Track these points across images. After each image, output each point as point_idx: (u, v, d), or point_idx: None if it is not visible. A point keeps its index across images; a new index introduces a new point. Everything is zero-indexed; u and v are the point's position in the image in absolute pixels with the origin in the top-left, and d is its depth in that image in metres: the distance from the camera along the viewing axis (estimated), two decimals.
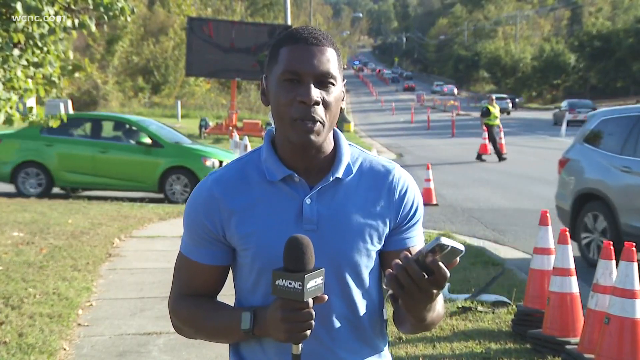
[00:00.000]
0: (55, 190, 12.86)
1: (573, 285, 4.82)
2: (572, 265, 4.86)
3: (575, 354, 4.44)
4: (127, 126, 12.79)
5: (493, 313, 5.65)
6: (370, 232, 1.60)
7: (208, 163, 12.15)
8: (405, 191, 1.64)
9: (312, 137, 1.52)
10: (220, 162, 12.16)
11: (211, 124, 28.57)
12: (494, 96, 21.14)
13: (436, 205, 12.22)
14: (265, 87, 1.62)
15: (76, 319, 5.42)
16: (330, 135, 1.63)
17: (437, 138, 31.19)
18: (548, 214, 5.44)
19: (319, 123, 1.52)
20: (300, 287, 1.36)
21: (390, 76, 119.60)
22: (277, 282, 1.39)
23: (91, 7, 7.85)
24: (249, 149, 15.14)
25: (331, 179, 1.59)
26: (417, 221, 1.68)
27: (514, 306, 5.74)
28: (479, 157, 20.85)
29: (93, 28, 7.90)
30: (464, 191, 14.14)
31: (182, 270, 1.68)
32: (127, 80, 47.95)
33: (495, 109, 20.72)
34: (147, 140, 12.29)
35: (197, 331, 1.65)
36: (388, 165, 1.66)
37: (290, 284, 1.37)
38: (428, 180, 12.46)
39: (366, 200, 1.61)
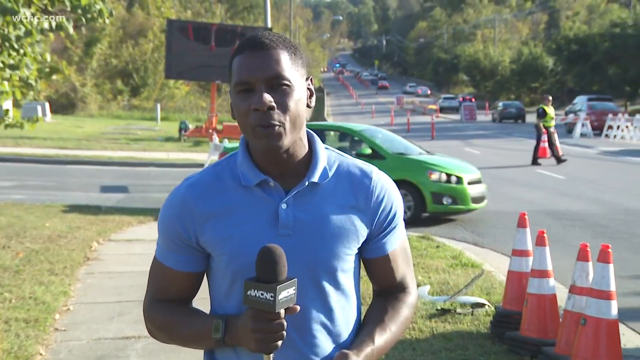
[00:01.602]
0: None
1: (550, 286, 4.86)
2: (549, 267, 4.90)
3: (552, 355, 4.47)
4: (350, 136, 11.66)
5: (472, 315, 5.68)
6: (347, 237, 1.58)
7: (434, 177, 10.69)
8: (384, 196, 1.63)
9: (275, 141, 1.51)
10: (449, 176, 10.72)
11: (191, 126, 28.45)
12: (550, 97, 20.02)
13: None
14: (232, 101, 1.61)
15: (53, 323, 5.36)
16: (305, 139, 1.61)
17: (417, 140, 31.21)
18: (526, 216, 5.48)
19: (277, 127, 1.51)
20: (272, 298, 1.35)
21: (368, 78, 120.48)
22: (248, 292, 1.37)
23: (69, 9, 7.78)
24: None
25: (307, 183, 1.57)
26: (396, 226, 1.67)
27: (493, 308, 5.77)
28: (535, 162, 19.50)
29: (71, 30, 7.84)
30: None
31: (156, 276, 1.67)
32: (105, 83, 47.61)
33: (551, 110, 19.58)
34: (368, 151, 10.97)
35: (171, 337, 1.64)
36: (366, 168, 1.64)
37: (262, 294, 1.36)
38: None
39: (343, 205, 1.59)
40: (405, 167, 10.83)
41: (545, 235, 4.97)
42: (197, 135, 27.11)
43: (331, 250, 1.57)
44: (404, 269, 1.70)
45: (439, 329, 5.33)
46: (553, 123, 19.51)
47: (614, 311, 4.06)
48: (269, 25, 32.86)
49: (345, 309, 1.62)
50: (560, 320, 4.64)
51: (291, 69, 1.53)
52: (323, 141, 11.50)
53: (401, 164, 10.88)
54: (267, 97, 1.50)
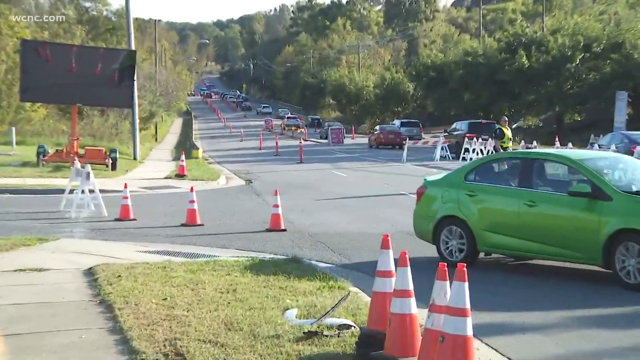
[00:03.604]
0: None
1: (412, 306, 5.03)
2: (410, 287, 5.07)
3: None
4: (567, 168, 9.10)
5: (338, 337, 5.76)
6: None
7: None
8: None
9: None
10: None
11: (50, 151, 27.11)
12: (506, 117, 20.13)
13: (284, 230, 12.34)
14: None
15: None
16: None
17: (286, 164, 31.59)
18: (389, 238, 5.66)
19: None
20: None
21: (233, 100, 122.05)
22: None
23: None
24: (91, 177, 14.50)
25: None
26: None
27: (358, 329, 5.89)
28: None
29: None
30: (312, 216, 14.40)
31: None
32: None
33: (508, 131, 19.46)
34: (586, 189, 8.41)
35: None
36: None
37: None
38: (276, 206, 12.56)
39: None
40: (638, 213, 8.09)
41: (407, 256, 5.15)
42: (57, 159, 25.91)
43: None
44: None
45: (305, 352, 5.36)
46: (510, 144, 19.64)
47: (469, 328, 4.27)
48: (133, 47, 32.09)
49: None
50: (421, 338, 4.81)
51: None
52: (529, 175, 9.00)
53: (634, 208, 8.14)
54: None
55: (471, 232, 9.26)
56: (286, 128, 68.75)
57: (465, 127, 35.76)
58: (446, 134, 38.07)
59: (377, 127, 49.57)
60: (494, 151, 19.73)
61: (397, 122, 52.50)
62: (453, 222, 9.43)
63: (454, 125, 37.35)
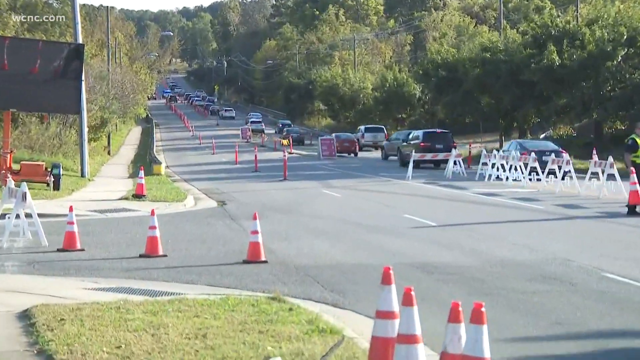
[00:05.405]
0: None
1: (420, 355, 5.01)
2: (418, 331, 5.05)
3: None
4: None
5: None
6: None
7: None
8: None
9: None
10: None
11: None
12: None
13: (265, 262, 12.31)
14: None
15: None
16: None
17: (267, 181, 31.59)
18: (391, 271, 5.64)
19: None
20: None
21: (201, 103, 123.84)
22: None
23: None
24: (29, 197, 14.42)
25: None
26: None
27: None
28: (632, 210, 17.75)
29: None
30: (298, 244, 14.38)
31: None
32: None
33: None
34: None
35: None
36: None
37: None
38: (255, 232, 12.52)
39: None
40: None
41: (412, 293, 5.13)
42: None
43: None
44: None
45: None
46: None
47: None
48: (80, 40, 32.11)
49: None
50: None
51: None
52: None
53: None
54: None
55: None
56: (262, 135, 71.04)
57: (420, 136, 40.37)
58: (404, 143, 42.32)
59: (333, 135, 57.91)
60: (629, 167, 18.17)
61: (362, 128, 62.15)
62: None
63: (412, 134, 42.68)
